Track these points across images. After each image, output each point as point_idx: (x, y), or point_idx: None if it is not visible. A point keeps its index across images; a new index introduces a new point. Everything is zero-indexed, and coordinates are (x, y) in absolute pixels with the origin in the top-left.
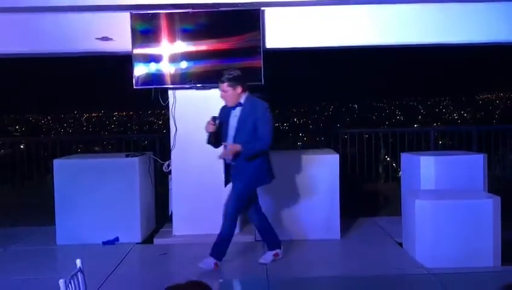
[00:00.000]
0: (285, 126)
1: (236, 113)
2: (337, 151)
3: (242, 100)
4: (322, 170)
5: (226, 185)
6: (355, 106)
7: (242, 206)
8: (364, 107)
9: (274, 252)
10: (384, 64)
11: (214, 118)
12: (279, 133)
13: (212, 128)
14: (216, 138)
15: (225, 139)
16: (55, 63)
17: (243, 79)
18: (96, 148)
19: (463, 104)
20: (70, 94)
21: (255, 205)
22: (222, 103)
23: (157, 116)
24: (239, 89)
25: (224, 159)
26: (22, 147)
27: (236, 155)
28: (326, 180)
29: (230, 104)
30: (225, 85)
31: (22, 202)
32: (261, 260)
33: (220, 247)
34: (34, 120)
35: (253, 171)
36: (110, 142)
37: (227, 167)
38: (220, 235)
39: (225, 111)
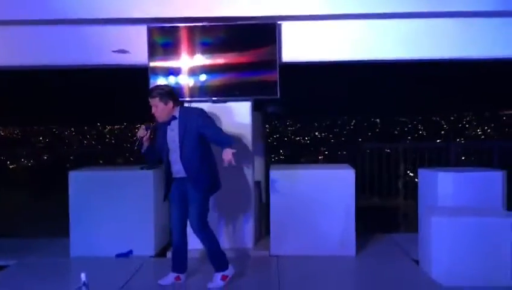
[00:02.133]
0: (307, 140)
1: (172, 127)
2: (358, 166)
3: (176, 113)
4: (337, 185)
5: (164, 200)
6: (377, 120)
7: (206, 214)
8: (386, 122)
9: (222, 274)
10: (407, 78)
11: (147, 125)
12: (300, 147)
13: (142, 134)
14: (149, 149)
15: (166, 155)
16: (79, 76)
17: (174, 94)
18: (119, 160)
19: (486, 120)
20: (94, 106)
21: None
22: (239, 113)
23: None
24: (170, 104)
25: (170, 173)
26: (45, 157)
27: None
28: (341, 196)
29: (161, 119)
30: (156, 100)
31: (43, 213)
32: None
33: (217, 260)
34: (58, 132)
35: (209, 178)
36: (132, 154)
37: (168, 181)
38: (209, 251)
39: (160, 129)
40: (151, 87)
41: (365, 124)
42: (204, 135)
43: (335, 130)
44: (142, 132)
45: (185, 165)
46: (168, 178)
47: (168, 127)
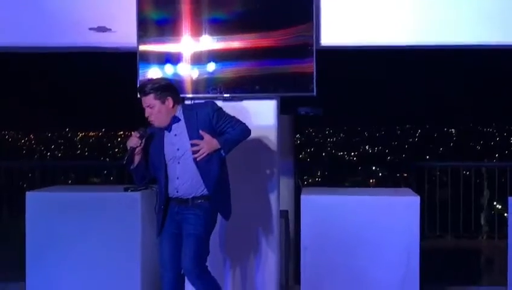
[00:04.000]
0: (353, 157)
1: (176, 131)
2: (424, 193)
3: (178, 114)
4: (396, 217)
5: (158, 235)
6: (452, 130)
7: (206, 255)
8: (464, 133)
9: None
10: (494, 72)
11: (141, 132)
12: (344, 165)
13: (135, 143)
14: (142, 165)
15: (163, 171)
16: (41, 62)
17: (174, 89)
18: (95, 180)
19: None
20: (61, 105)
21: None
22: (260, 117)
23: None
24: (170, 102)
25: (166, 195)
26: None
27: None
28: (402, 231)
29: (158, 124)
30: (150, 97)
31: None
32: None
33: None
34: (11, 139)
35: (214, 208)
36: (112, 171)
37: (163, 212)
38: None
39: (154, 138)
40: (143, 82)
41: (435, 135)
42: (221, 129)
43: (393, 143)
44: (134, 141)
45: (204, 178)
46: (164, 204)
47: (167, 133)
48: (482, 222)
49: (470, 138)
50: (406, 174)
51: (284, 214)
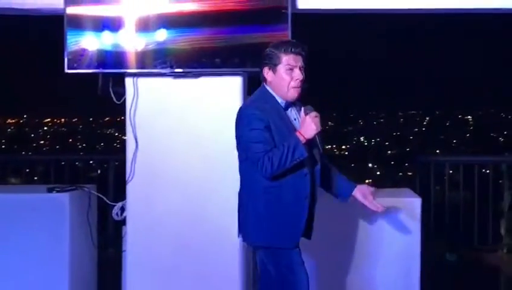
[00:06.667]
0: (344, 149)
1: (292, 113)
2: (427, 194)
3: None
4: (394, 222)
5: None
6: (469, 117)
7: None
8: (484, 120)
9: None
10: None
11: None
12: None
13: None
14: None
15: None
16: None
17: None
18: (13, 180)
19: None
20: None
21: None
22: (222, 98)
23: (119, 126)
24: None
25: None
26: None
27: None
28: (400, 237)
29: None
30: (303, 60)
31: None
32: None
33: None
34: None
35: None
36: (35, 167)
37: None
38: None
39: (273, 115)
40: (293, 41)
41: (447, 123)
42: None
43: (394, 133)
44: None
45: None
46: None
47: (288, 113)
48: (502, 231)
49: (490, 127)
50: (409, 173)
51: None
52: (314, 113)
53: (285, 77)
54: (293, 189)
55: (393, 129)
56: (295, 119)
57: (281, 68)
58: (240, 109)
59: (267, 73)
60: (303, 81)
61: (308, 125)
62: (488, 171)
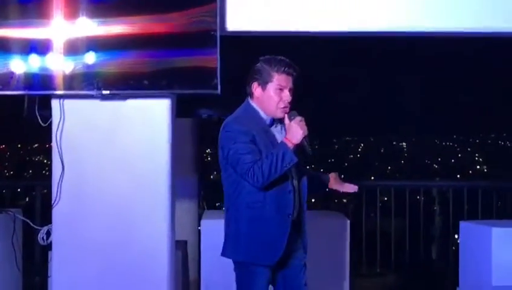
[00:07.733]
0: None
1: (279, 129)
2: (359, 220)
3: None
4: (321, 244)
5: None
6: (404, 144)
7: None
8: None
9: None
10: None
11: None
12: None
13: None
14: None
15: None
16: None
17: None
18: None
19: None
20: None
21: None
22: (149, 120)
23: (48, 153)
24: None
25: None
26: None
27: None
28: (329, 257)
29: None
30: (292, 81)
31: None
32: None
33: None
34: None
35: None
36: None
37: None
38: None
39: (258, 130)
40: (286, 60)
41: (382, 150)
42: None
43: (329, 160)
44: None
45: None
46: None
47: (274, 129)
48: (434, 256)
49: (424, 153)
50: (344, 200)
51: (181, 245)
52: (299, 118)
53: (274, 96)
54: (276, 206)
55: (328, 156)
56: (281, 134)
57: (271, 87)
58: (224, 124)
59: (256, 89)
60: (291, 103)
61: (294, 130)
62: (418, 197)
